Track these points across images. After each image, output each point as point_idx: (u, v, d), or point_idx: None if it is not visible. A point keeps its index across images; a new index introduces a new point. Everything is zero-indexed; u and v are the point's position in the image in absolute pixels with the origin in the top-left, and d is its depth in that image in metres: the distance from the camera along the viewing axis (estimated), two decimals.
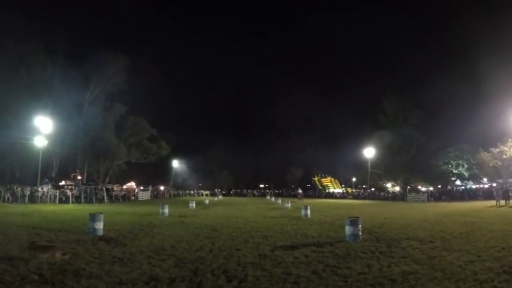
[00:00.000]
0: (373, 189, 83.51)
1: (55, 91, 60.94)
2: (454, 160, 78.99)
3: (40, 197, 44.69)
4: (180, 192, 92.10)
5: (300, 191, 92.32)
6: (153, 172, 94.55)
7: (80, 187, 53.90)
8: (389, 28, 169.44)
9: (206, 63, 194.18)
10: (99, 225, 15.85)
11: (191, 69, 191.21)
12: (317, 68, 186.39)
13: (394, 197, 68.87)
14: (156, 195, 73.74)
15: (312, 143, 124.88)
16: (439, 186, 77.23)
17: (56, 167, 66.23)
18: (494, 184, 63.46)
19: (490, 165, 62.75)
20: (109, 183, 71.25)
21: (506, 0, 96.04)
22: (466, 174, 79.45)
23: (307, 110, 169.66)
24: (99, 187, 58.00)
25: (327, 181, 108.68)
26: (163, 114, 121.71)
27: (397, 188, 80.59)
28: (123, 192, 64.02)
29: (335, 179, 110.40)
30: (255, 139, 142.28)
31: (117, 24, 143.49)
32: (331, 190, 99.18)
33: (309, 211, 26.60)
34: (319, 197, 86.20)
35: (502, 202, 38.56)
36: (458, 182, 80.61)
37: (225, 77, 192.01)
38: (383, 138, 79.77)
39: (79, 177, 68.34)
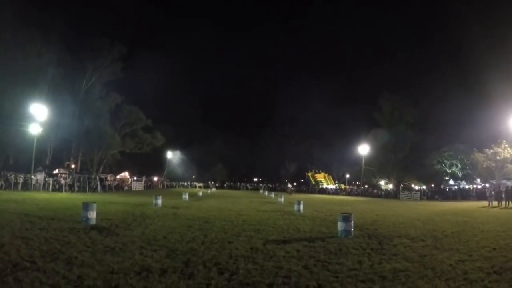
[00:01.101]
0: (366, 186, 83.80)
1: (51, 78, 60.74)
2: (448, 160, 79.18)
3: (34, 184, 44.66)
4: (174, 183, 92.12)
5: (289, 185, 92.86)
6: (147, 163, 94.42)
7: (74, 176, 53.80)
8: (387, 27, 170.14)
9: (203, 55, 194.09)
10: (92, 214, 15.82)
11: (188, 61, 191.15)
12: (314, 64, 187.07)
13: (387, 194, 69.10)
14: (149, 186, 73.92)
15: (306, 138, 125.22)
16: (432, 185, 77.51)
17: (50, 155, 66.13)
18: (487, 185, 63.69)
19: (484, 166, 62.85)
20: (102, 172, 71.12)
21: (503, 3, 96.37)
22: (460, 174, 79.71)
23: (303, 105, 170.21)
24: (93, 176, 57.85)
25: (320, 176, 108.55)
26: (158, 105, 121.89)
27: (390, 186, 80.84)
28: (117, 182, 64.02)
29: (328, 175, 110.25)
30: (251, 132, 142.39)
31: (115, 12, 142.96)
32: (325, 185, 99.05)
33: (301, 206, 26.60)
34: (312, 192, 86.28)
35: (495, 203, 38.70)
36: (451, 182, 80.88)
37: (221, 70, 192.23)
38: (378, 136, 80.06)
39: (73, 166, 68.24)
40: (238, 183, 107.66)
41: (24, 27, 58.13)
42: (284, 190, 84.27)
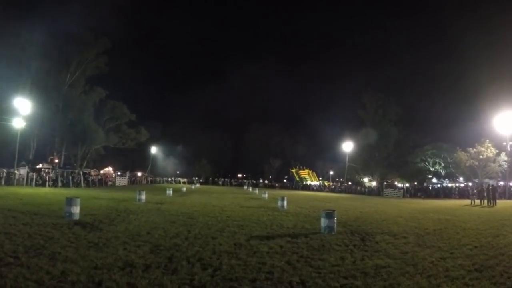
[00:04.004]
0: (350, 183, 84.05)
1: (35, 72, 60.20)
2: (431, 158, 79.71)
3: (17, 179, 44.32)
4: (158, 179, 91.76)
5: (261, 181, 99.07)
6: (131, 158, 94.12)
7: (57, 171, 53.51)
8: (374, 26, 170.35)
9: (185, 50, 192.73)
10: (76, 210, 15.81)
11: (171, 56, 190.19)
12: (299, 60, 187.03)
13: (370, 192, 69.25)
14: (133, 181, 73.50)
15: (291, 134, 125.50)
16: (415, 183, 77.95)
17: (34, 149, 65.60)
18: (470, 184, 64.27)
19: (467, 164, 63.37)
20: (86, 167, 70.69)
21: (490, 5, 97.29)
22: (443, 172, 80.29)
23: (287, 101, 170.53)
24: (76, 171, 57.60)
25: (304, 173, 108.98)
26: (143, 100, 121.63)
27: (374, 183, 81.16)
28: (100, 177, 63.69)
29: (312, 171, 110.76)
30: (235, 128, 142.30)
31: (100, 5, 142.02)
32: (309, 182, 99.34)
33: (285, 203, 26.70)
34: (296, 188, 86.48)
35: (477, 201, 39.00)
36: (434, 180, 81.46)
37: (205, 64, 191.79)
38: (362, 133, 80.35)
39: (56, 161, 67.75)
40: (223, 179, 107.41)
41: (7, 20, 57.52)
42: (256, 185, 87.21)
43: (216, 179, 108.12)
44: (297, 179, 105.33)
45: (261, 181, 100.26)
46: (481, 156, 61.35)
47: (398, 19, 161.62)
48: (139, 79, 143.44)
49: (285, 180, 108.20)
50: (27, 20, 60.48)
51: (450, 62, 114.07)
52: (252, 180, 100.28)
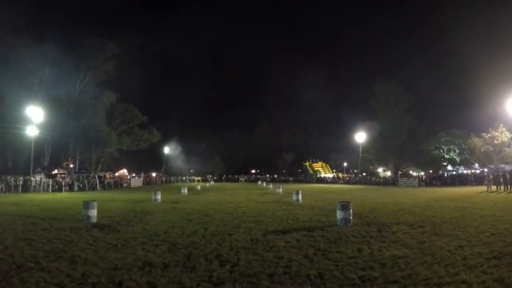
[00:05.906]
0: (364, 174, 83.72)
1: (45, 80, 60.71)
2: (446, 145, 78.85)
3: (34, 186, 44.73)
4: (172, 178, 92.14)
5: (267, 175, 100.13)
6: (145, 159, 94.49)
7: (73, 176, 53.96)
8: (381, 13, 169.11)
9: (195, 48, 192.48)
10: (93, 213, 15.94)
11: (181, 56, 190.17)
12: (308, 52, 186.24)
13: (385, 182, 69.00)
14: (148, 182, 73.97)
15: (303, 128, 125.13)
16: (430, 171, 77.42)
17: (48, 156, 66.21)
18: (486, 170, 63.70)
19: (482, 150, 62.69)
20: (101, 170, 71.36)
21: None
22: (458, 159, 79.41)
23: (298, 94, 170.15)
24: (92, 175, 58.03)
25: (318, 166, 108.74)
26: (154, 101, 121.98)
27: (388, 173, 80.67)
28: (115, 179, 64.10)
29: (326, 164, 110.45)
30: (246, 124, 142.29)
31: (105, 10, 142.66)
32: (322, 175, 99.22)
33: (300, 196, 26.72)
34: (310, 182, 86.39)
35: (493, 187, 38.66)
36: (449, 167, 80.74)
37: (215, 62, 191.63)
38: (374, 123, 79.93)
39: (71, 166, 68.31)
40: (236, 176, 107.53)
41: (16, 30, 58.08)
42: (263, 180, 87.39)
43: (230, 175, 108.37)
44: (311, 172, 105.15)
45: (268, 175, 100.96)
46: (495, 141, 60.66)
47: (406, 5, 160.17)
48: (149, 79, 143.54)
49: (302, 174, 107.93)
50: (35, 29, 61.09)
51: (463, 46, 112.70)
52: (266, 175, 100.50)
